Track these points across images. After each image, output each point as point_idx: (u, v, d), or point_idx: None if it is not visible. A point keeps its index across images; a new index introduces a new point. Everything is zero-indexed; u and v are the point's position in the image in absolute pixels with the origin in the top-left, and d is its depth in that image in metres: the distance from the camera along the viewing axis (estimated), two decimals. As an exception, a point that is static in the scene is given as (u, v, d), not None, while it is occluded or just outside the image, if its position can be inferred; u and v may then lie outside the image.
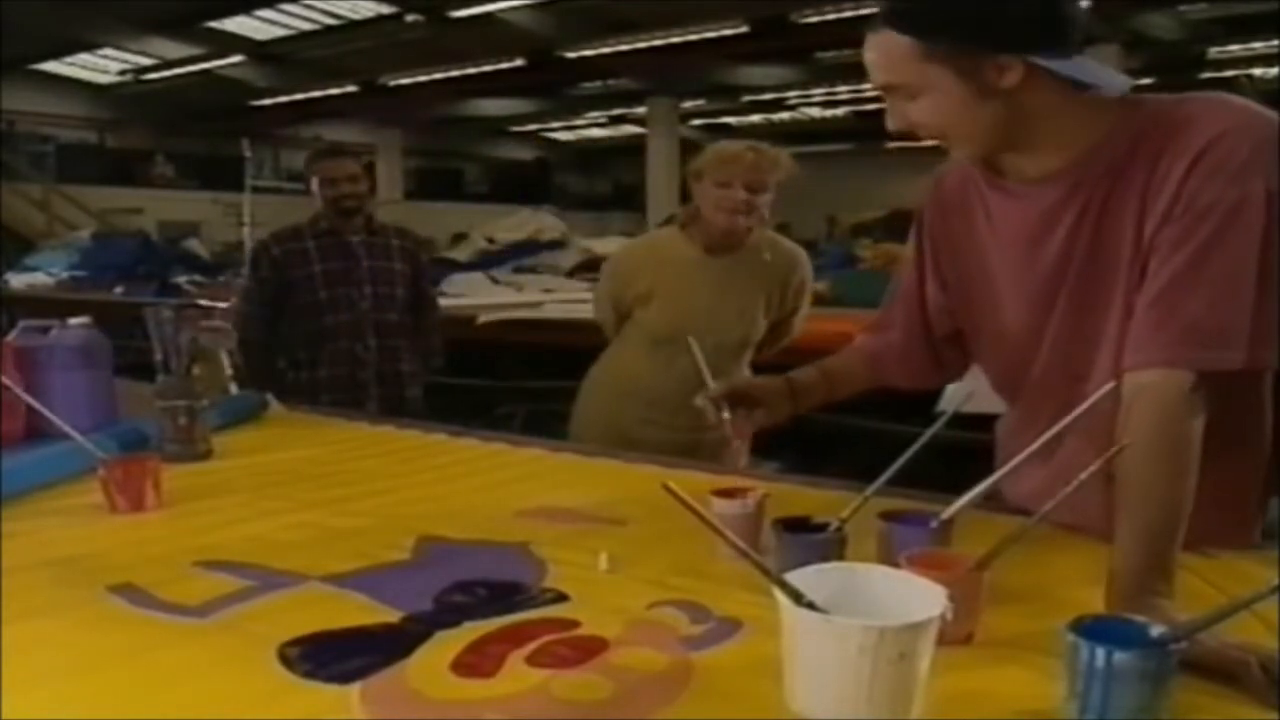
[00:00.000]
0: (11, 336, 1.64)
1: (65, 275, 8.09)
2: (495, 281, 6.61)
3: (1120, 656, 0.67)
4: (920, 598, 0.72)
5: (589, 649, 0.83)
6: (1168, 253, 0.96)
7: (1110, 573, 0.88)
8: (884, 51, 1.03)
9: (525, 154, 22.31)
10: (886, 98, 1.06)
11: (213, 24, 12.94)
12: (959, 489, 1.03)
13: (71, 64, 15.27)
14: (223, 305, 4.89)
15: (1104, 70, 1.01)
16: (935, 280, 1.25)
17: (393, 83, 14.40)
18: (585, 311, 4.79)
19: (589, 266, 7.13)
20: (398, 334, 2.88)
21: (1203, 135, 0.95)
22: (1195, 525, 0.91)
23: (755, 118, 18.42)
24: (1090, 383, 1.04)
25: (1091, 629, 0.69)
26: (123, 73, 15.20)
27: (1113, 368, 1.01)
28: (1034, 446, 0.94)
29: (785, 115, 18.11)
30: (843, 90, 15.54)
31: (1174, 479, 0.91)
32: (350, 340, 2.80)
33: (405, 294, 2.92)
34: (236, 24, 12.97)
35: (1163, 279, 0.96)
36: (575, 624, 0.88)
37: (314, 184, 2.82)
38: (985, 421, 1.31)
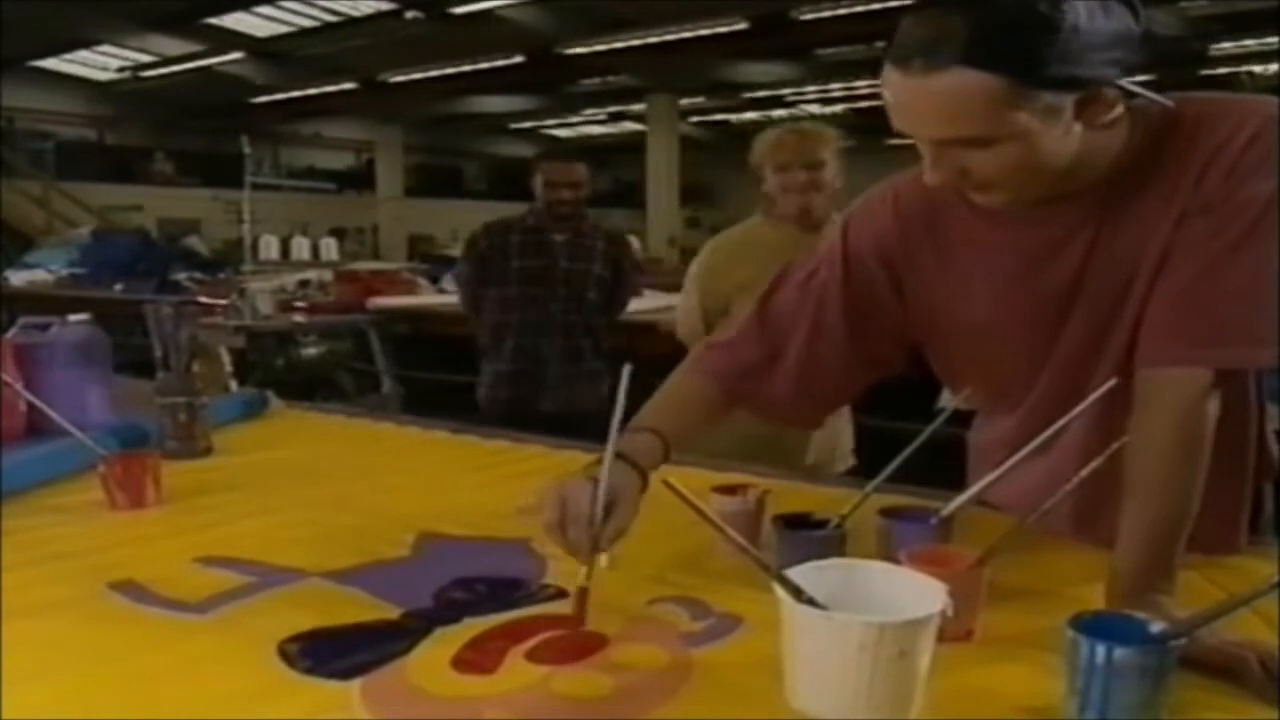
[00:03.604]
0: (11, 334, 1.64)
1: (65, 272, 8.07)
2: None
3: (1120, 653, 0.67)
4: (920, 594, 0.72)
5: (589, 645, 0.83)
6: (1194, 247, 0.91)
7: (1111, 570, 0.88)
8: (957, 98, 0.84)
9: (525, 151, 22.28)
10: (935, 150, 0.91)
11: (212, 21, 12.92)
12: (959, 486, 1.03)
13: (71, 61, 15.25)
14: (223, 302, 4.91)
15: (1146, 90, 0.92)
16: (894, 295, 1.11)
17: (392, 80, 14.39)
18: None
19: (589, 264, 7.11)
20: (584, 335, 2.92)
21: (1238, 132, 0.90)
22: None
23: (754, 115, 18.41)
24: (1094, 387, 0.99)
25: (1092, 625, 0.69)
26: (122, 70, 15.18)
27: (1123, 387, 0.98)
28: (1036, 443, 0.94)
29: (784, 112, 18.09)
30: (842, 87, 15.53)
31: (1188, 478, 0.89)
32: (535, 338, 2.86)
33: (599, 297, 2.94)
34: (236, 21, 12.94)
35: (1189, 273, 0.91)
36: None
37: (536, 182, 2.84)
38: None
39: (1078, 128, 0.88)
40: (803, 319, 1.12)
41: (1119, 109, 0.90)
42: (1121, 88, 0.88)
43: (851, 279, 1.11)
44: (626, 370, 0.92)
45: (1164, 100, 0.92)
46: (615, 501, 0.90)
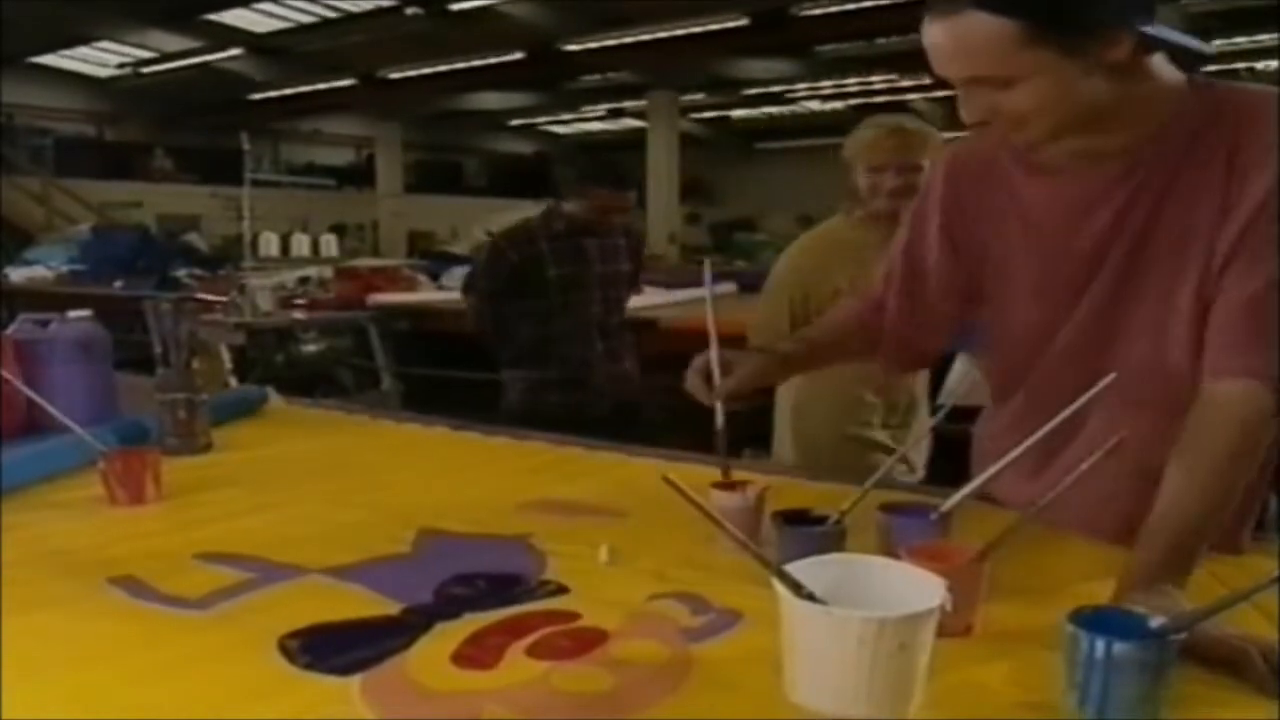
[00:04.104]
0: (12, 330, 1.64)
1: (65, 269, 8.07)
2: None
3: (1120, 647, 0.67)
4: (920, 589, 0.72)
5: (589, 641, 0.83)
6: (1263, 256, 0.91)
7: (1131, 558, 0.87)
8: (972, 39, 0.91)
9: (525, 148, 22.27)
10: (965, 89, 0.96)
11: (211, 17, 12.89)
12: (959, 482, 1.03)
13: (70, 57, 15.22)
14: (223, 299, 4.91)
15: (1186, 35, 0.96)
16: (948, 263, 1.19)
17: (392, 76, 14.38)
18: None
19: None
20: (621, 335, 2.88)
21: None
22: None
23: (755, 111, 18.39)
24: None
25: (1091, 620, 0.69)
26: (121, 66, 15.15)
27: (1135, 373, 0.99)
28: (1037, 435, 0.93)
29: (785, 109, 18.08)
30: (842, 84, 15.51)
31: (1230, 487, 0.89)
32: (579, 345, 2.79)
33: (627, 294, 2.92)
34: (235, 17, 12.92)
35: (1258, 283, 0.91)
36: (575, 616, 0.88)
37: (580, 204, 2.73)
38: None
39: (1100, 70, 0.91)
40: (900, 278, 1.25)
41: (1159, 70, 0.95)
42: (1140, 32, 0.90)
43: (912, 240, 1.22)
44: (708, 264, 1.25)
45: (1188, 41, 0.96)
46: (734, 365, 1.16)
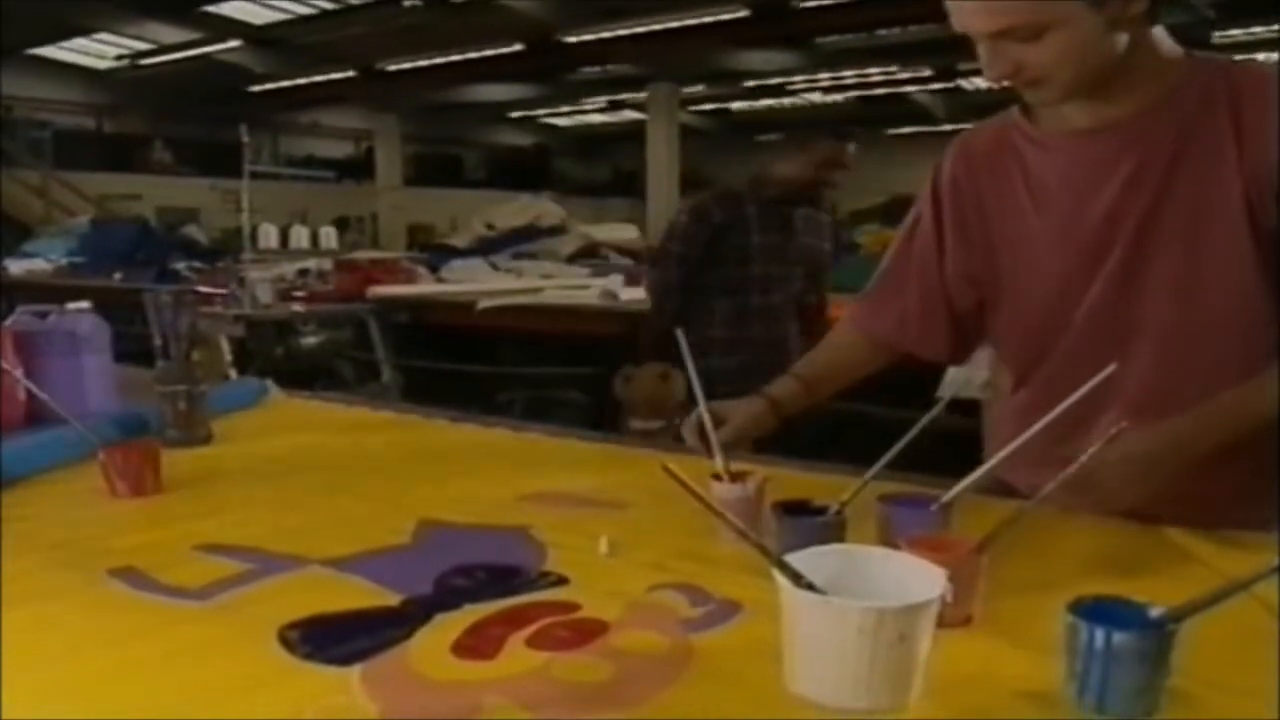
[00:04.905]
0: (10, 322, 1.64)
1: (64, 262, 8.07)
2: (495, 267, 6.62)
3: (1119, 637, 0.67)
4: (919, 580, 0.72)
5: (589, 631, 0.83)
6: None
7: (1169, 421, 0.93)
8: None
9: (524, 140, 22.23)
10: (989, 44, 0.98)
11: (210, 8, 12.86)
12: (959, 473, 1.03)
13: (68, 49, 15.18)
14: (222, 291, 4.91)
15: None
16: (961, 246, 1.19)
17: (391, 68, 14.34)
18: (584, 298, 4.80)
19: (588, 253, 7.14)
20: (823, 319, 2.60)
21: None
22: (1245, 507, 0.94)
23: (755, 103, 18.35)
24: (1125, 366, 0.98)
25: (1091, 610, 0.69)
26: (120, 58, 15.12)
27: (1155, 352, 0.99)
28: (1041, 424, 0.93)
29: (785, 101, 18.04)
30: (843, 76, 15.47)
31: None
32: (775, 325, 2.52)
33: (826, 277, 2.67)
34: (233, 8, 12.88)
35: None
36: (575, 606, 0.88)
37: (802, 154, 2.48)
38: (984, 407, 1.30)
39: (1119, 26, 0.94)
40: (916, 267, 1.25)
41: (1161, 42, 0.99)
42: None
43: (919, 224, 1.23)
44: (681, 334, 1.22)
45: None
46: (727, 417, 1.16)
